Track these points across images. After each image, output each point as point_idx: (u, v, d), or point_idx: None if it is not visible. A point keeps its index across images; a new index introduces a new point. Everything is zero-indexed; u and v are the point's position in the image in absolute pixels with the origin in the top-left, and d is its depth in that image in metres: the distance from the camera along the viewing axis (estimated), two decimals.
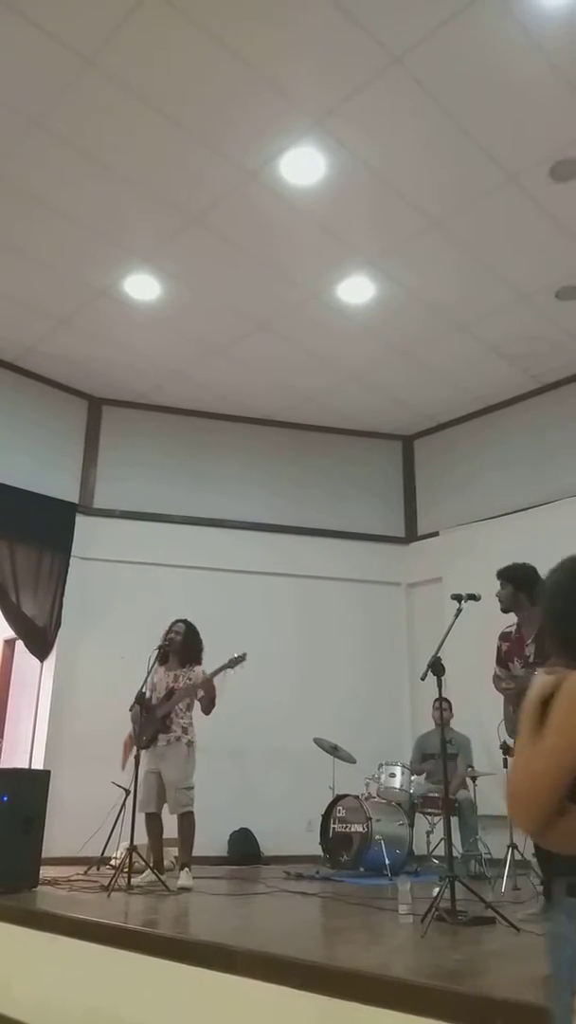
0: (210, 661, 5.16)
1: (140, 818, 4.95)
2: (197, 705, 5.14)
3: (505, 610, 4.21)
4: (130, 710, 5.10)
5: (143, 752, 5.03)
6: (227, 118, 4.52)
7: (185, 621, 5.32)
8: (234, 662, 5.00)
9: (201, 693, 5.05)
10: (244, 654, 5.01)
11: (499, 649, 4.26)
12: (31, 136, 4.64)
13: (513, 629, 4.23)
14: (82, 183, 4.98)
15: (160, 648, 5.23)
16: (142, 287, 5.99)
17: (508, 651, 4.21)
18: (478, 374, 7.16)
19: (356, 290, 6.00)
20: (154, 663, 5.19)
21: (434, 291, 6.02)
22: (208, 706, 5.07)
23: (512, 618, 4.25)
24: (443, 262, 5.68)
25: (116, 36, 4.03)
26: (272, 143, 4.68)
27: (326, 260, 5.68)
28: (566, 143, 4.63)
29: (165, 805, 5.03)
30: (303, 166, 4.83)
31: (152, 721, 5.05)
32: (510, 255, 5.61)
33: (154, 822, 5.05)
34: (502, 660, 4.24)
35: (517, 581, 4.16)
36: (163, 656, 5.24)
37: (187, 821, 4.91)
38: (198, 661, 5.22)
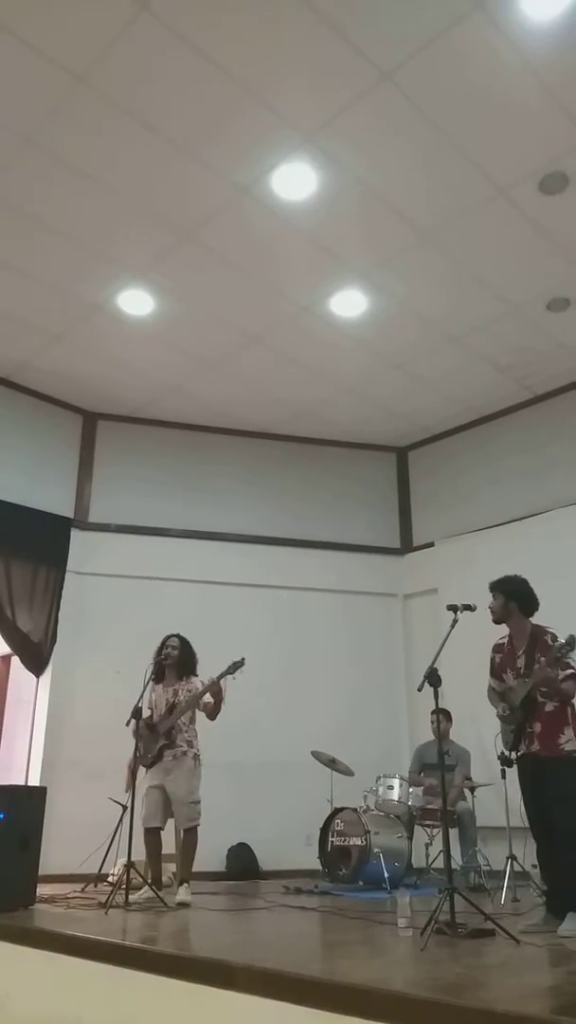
0: (208, 673, 5.15)
1: (138, 834, 4.92)
2: (200, 718, 5.13)
3: (497, 621, 4.22)
4: (127, 724, 5.07)
5: (147, 769, 5.01)
6: (218, 135, 4.56)
7: (178, 635, 5.32)
8: (234, 667, 5.01)
9: (208, 699, 5.02)
10: (243, 659, 5.03)
11: (492, 661, 4.28)
12: (24, 154, 4.67)
13: (506, 641, 4.24)
14: (75, 200, 5.01)
15: (157, 663, 5.21)
16: (136, 302, 6.02)
17: (501, 663, 4.22)
18: (471, 385, 7.20)
19: (348, 303, 6.03)
20: (149, 680, 5.18)
21: (426, 303, 6.05)
22: (215, 711, 5.03)
23: (506, 630, 4.26)
24: (434, 275, 5.72)
25: (108, 54, 4.07)
26: (263, 159, 4.72)
27: (318, 274, 5.72)
28: (555, 156, 4.68)
29: (168, 820, 5.01)
30: (295, 181, 4.87)
31: (156, 737, 5.03)
32: (501, 267, 5.65)
33: (154, 838, 5.01)
34: (496, 672, 4.25)
35: (509, 592, 4.18)
36: (159, 673, 5.22)
37: (192, 836, 4.88)
38: (195, 672, 5.22)
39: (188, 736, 5.05)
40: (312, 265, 5.61)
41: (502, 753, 4.86)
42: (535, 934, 3.53)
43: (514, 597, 4.16)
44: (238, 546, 7.59)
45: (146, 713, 5.14)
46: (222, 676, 5.00)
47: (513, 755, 4.19)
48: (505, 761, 4.91)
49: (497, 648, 4.27)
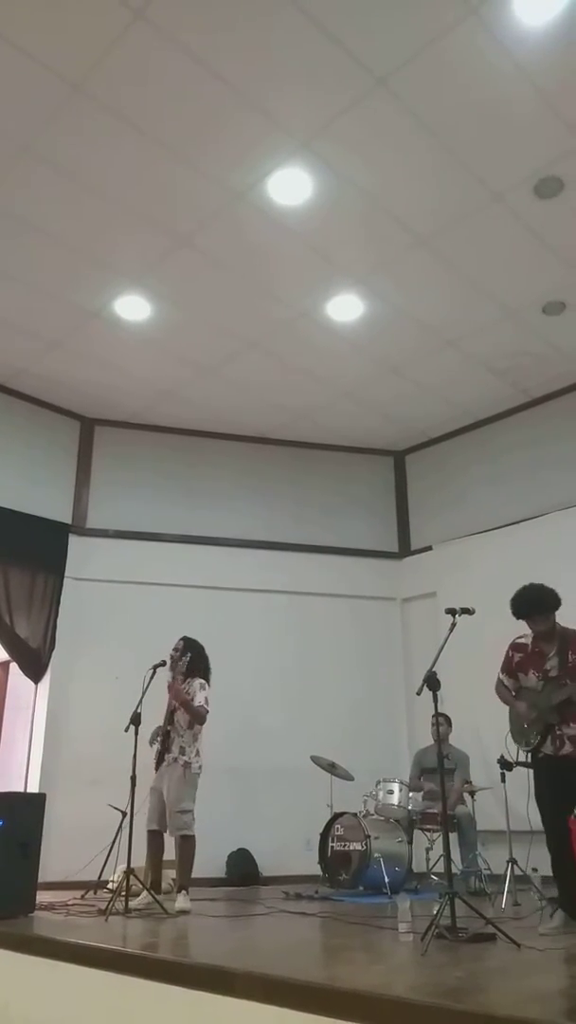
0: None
1: (137, 840, 4.90)
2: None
3: (547, 633, 4.10)
4: (126, 731, 5.05)
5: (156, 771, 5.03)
6: (215, 141, 4.57)
7: (184, 637, 5.31)
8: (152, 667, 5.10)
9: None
10: (164, 661, 5.10)
11: (510, 659, 4.20)
12: (20, 161, 4.68)
13: (527, 641, 4.17)
14: (71, 206, 5.02)
15: (156, 667, 5.21)
16: (133, 308, 6.03)
17: (521, 662, 4.15)
18: (468, 389, 7.21)
19: (345, 308, 6.04)
20: (149, 682, 5.17)
21: (422, 308, 6.07)
22: (189, 716, 5.01)
23: (522, 628, 4.16)
24: (431, 279, 5.73)
25: (103, 61, 4.08)
26: (259, 164, 4.73)
27: (315, 279, 5.73)
28: (549, 161, 4.70)
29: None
30: (290, 186, 4.88)
31: (162, 740, 5.06)
32: (497, 271, 5.66)
33: (156, 839, 4.99)
34: (511, 670, 4.19)
35: (554, 607, 4.08)
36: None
37: (186, 844, 4.85)
38: (193, 675, 5.17)
39: (182, 743, 5.00)
40: (308, 270, 5.62)
41: (502, 757, 4.84)
42: (555, 936, 3.51)
43: (554, 608, 4.08)
44: (236, 551, 7.59)
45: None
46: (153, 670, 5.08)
47: (527, 757, 4.13)
48: (505, 765, 4.90)
49: (518, 647, 4.20)
